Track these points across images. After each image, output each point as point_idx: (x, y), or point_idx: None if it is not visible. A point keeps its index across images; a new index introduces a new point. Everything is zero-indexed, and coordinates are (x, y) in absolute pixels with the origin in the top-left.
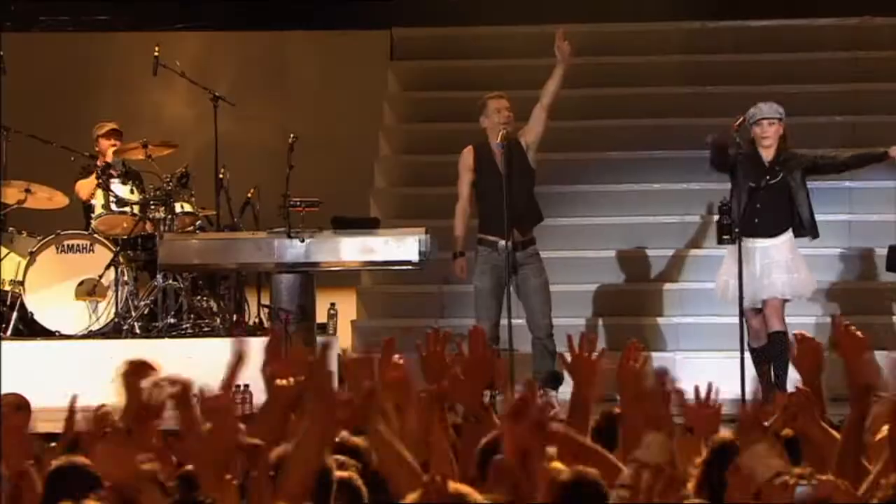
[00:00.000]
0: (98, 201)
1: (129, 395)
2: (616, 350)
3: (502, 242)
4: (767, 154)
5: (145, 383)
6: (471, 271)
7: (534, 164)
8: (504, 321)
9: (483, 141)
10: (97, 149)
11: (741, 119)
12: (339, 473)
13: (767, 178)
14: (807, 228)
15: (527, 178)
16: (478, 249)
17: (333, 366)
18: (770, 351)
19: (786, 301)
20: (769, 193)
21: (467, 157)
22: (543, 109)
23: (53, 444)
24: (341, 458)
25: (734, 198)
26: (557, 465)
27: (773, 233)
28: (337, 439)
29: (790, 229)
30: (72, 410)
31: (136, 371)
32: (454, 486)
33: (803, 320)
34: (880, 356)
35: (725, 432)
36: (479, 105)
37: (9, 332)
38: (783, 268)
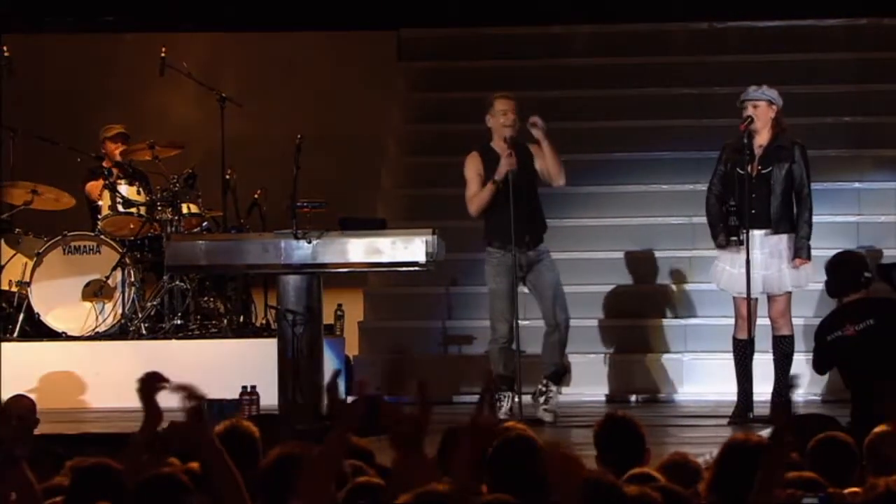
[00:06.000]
0: (104, 202)
1: (147, 408)
2: (623, 352)
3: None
4: (760, 139)
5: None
6: (480, 274)
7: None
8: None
9: (487, 144)
10: (103, 151)
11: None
12: (358, 479)
13: (759, 167)
14: (773, 223)
15: (533, 187)
16: (488, 252)
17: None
18: (774, 355)
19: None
20: (762, 183)
21: (475, 161)
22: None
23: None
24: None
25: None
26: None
27: (770, 223)
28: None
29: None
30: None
31: (150, 384)
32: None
33: (811, 321)
34: None
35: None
36: (486, 103)
37: (15, 334)
38: (786, 258)
